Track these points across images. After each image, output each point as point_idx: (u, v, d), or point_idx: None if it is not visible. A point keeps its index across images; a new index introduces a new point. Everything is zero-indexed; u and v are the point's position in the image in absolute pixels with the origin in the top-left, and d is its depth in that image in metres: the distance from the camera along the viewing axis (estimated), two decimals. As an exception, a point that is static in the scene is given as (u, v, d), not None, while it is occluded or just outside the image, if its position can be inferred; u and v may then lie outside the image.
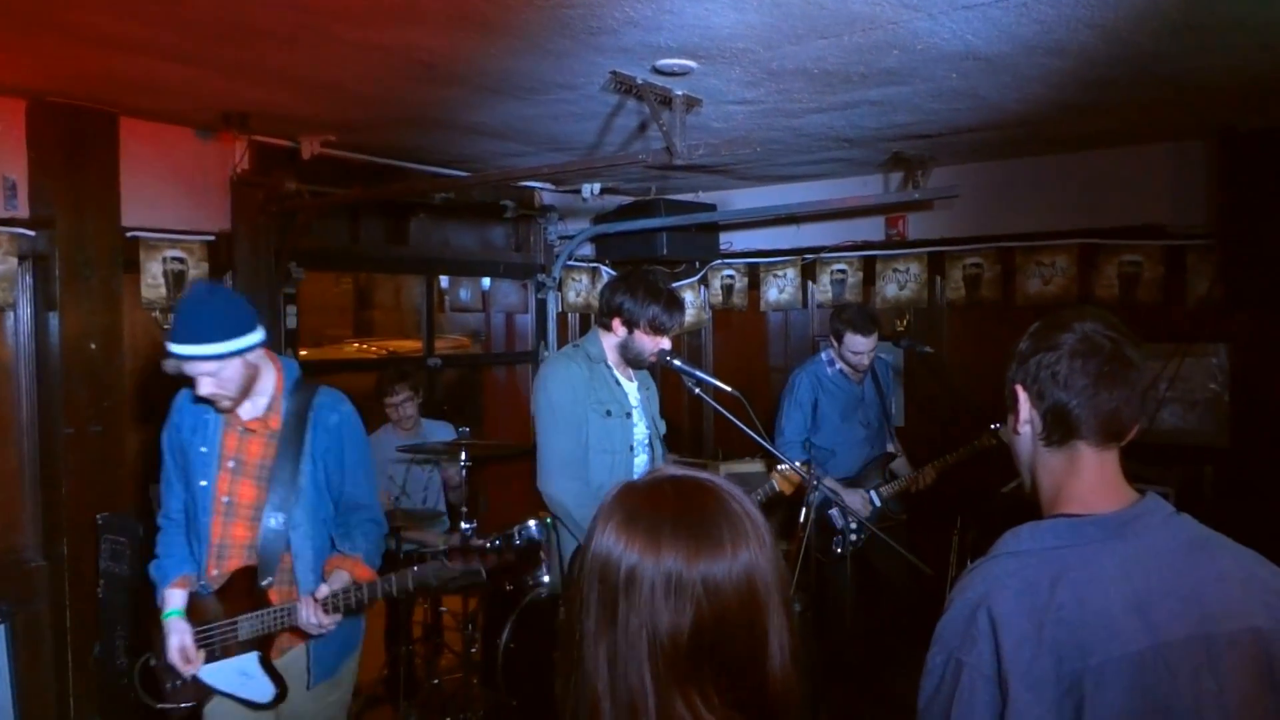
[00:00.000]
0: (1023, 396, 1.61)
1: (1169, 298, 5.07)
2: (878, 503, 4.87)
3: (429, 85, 3.65)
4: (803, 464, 3.63)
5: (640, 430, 3.70)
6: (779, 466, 3.73)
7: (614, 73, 3.47)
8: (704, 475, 1.26)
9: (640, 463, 3.72)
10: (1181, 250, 5.00)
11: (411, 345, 6.72)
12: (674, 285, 6.64)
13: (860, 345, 4.71)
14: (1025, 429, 1.62)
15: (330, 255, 5.43)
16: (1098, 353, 1.54)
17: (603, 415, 3.59)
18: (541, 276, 6.42)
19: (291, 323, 4.95)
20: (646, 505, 1.19)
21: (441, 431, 5.33)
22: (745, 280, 6.62)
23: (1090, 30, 3.04)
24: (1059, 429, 1.56)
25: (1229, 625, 1.44)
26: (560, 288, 6.53)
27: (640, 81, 3.53)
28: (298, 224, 4.83)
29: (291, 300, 4.98)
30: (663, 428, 3.93)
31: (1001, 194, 5.51)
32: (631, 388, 3.71)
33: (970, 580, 1.50)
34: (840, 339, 4.77)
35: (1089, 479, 1.55)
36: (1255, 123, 4.35)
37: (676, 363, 3.47)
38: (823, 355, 4.99)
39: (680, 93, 3.67)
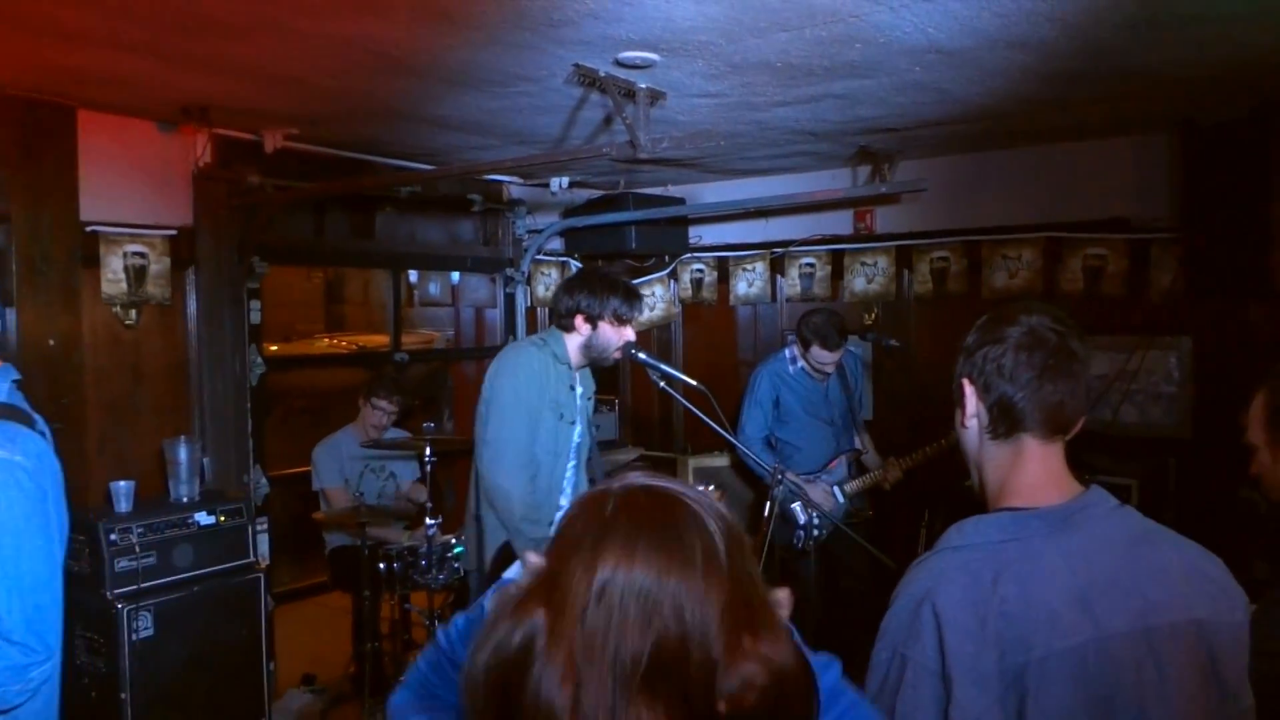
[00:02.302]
0: (969, 390, 1.61)
1: (1133, 291, 5.10)
2: (842, 499, 4.88)
3: (391, 78, 3.62)
4: (760, 461, 3.63)
5: (576, 435, 3.70)
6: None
7: (576, 65, 3.45)
8: (676, 488, 1.18)
9: (570, 467, 3.73)
10: (1145, 243, 5.03)
11: (382, 340, 6.68)
12: (643, 279, 6.64)
13: (825, 358, 4.74)
14: (972, 423, 1.63)
15: (295, 249, 5.38)
16: (1043, 346, 1.54)
17: (556, 417, 3.58)
18: (510, 271, 6.39)
19: (255, 318, 4.90)
20: (622, 515, 1.13)
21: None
22: (714, 274, 6.62)
23: (1051, 24, 3.05)
24: (1005, 422, 1.57)
25: (1170, 617, 1.45)
26: (529, 282, 6.51)
27: (603, 74, 3.51)
28: (261, 218, 4.78)
29: (255, 295, 4.93)
30: (594, 434, 3.93)
31: (968, 188, 5.53)
32: (579, 393, 3.71)
33: (915, 575, 1.50)
34: (806, 347, 4.77)
35: (1034, 472, 1.56)
36: (1216, 116, 4.37)
37: (642, 356, 3.47)
38: (785, 353, 5.00)
39: (643, 86, 3.65)
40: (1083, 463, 4.81)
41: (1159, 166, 4.92)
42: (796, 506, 4.65)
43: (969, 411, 1.62)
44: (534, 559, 1.13)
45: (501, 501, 3.48)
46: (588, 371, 3.81)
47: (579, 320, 3.55)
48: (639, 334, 6.49)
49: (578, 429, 3.72)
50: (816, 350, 4.72)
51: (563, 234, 6.53)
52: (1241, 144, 4.27)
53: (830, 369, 4.78)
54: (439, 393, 6.86)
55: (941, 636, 1.39)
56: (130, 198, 4.41)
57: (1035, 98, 4.02)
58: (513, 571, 3.53)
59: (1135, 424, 5.08)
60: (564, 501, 3.74)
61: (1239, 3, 2.90)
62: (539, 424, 3.54)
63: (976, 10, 2.91)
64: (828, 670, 1.25)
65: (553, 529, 1.19)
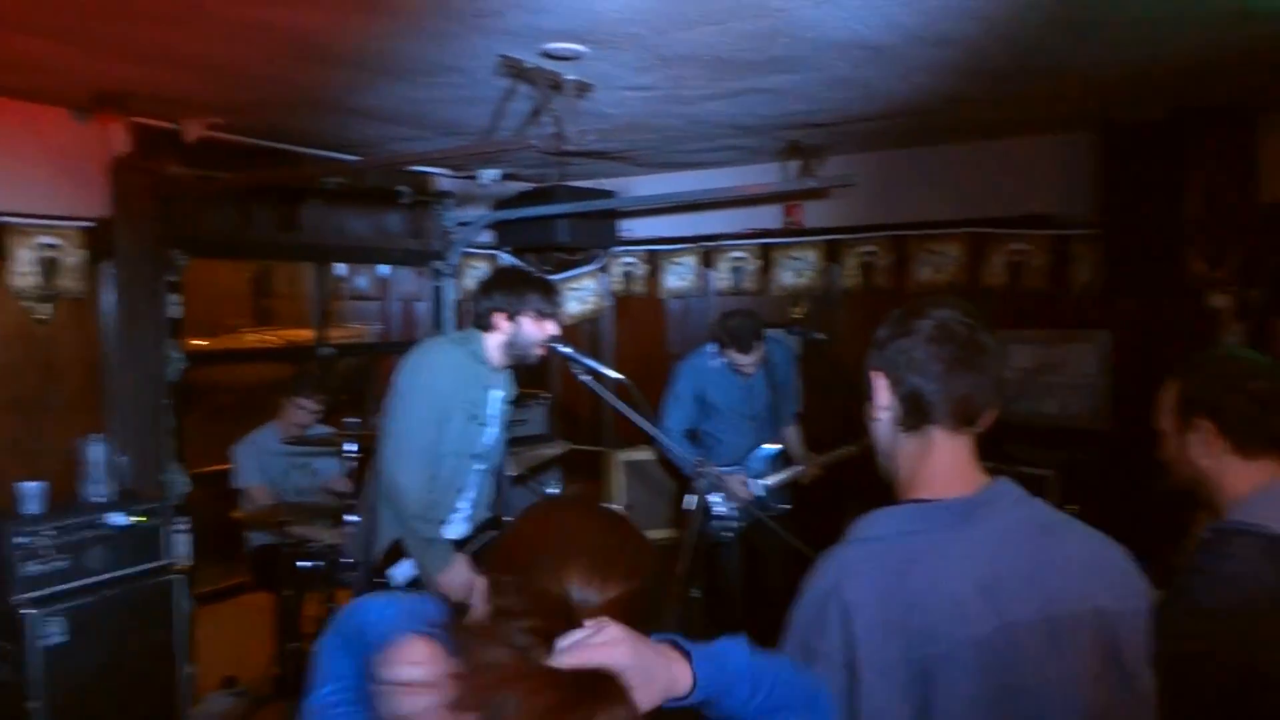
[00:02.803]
0: (881, 382, 1.63)
1: (1054, 286, 5.20)
2: (761, 492, 4.91)
3: (314, 66, 3.55)
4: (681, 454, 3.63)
5: (487, 437, 3.67)
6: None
7: (503, 56, 3.42)
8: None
9: (479, 469, 3.69)
10: (1066, 240, 5.13)
11: (310, 335, 6.57)
12: (574, 272, 6.62)
13: (741, 360, 4.74)
14: (883, 415, 1.64)
15: (217, 242, 5.26)
16: (952, 339, 1.56)
17: (467, 418, 3.54)
18: (438, 264, 6.32)
19: (175, 311, 4.78)
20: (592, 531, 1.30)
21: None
22: (645, 267, 6.62)
23: (974, 21, 3.09)
24: (914, 414, 1.59)
25: (1074, 606, 1.48)
26: (458, 275, 6.45)
27: (530, 65, 3.48)
28: (182, 210, 4.67)
29: (176, 288, 4.82)
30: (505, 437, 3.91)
31: (895, 183, 5.59)
32: (497, 396, 3.68)
33: (823, 568, 1.51)
34: (724, 347, 4.77)
35: (942, 464, 1.57)
36: (1135, 117, 4.47)
37: (566, 350, 3.45)
38: (707, 348, 4.99)
39: (571, 78, 3.63)
40: (1004, 454, 4.91)
41: (1080, 165, 5.01)
42: (716, 498, 4.68)
43: (880, 404, 1.64)
44: None
45: (398, 496, 3.42)
46: (510, 375, 3.77)
47: (499, 318, 3.51)
48: (569, 329, 6.53)
49: (490, 431, 3.68)
50: (732, 352, 4.74)
51: (493, 227, 6.48)
52: (1158, 145, 4.39)
53: (750, 369, 4.79)
54: (366, 387, 6.77)
55: (849, 628, 1.40)
56: (42, 188, 4.28)
57: (960, 94, 4.07)
58: (399, 570, 3.49)
59: (1055, 415, 5.18)
60: (463, 505, 3.69)
61: (1153, 7, 2.96)
62: (447, 423, 3.48)
63: (901, 6, 2.93)
64: (736, 649, 1.28)
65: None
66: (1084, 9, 2.96)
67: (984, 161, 5.33)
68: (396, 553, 3.48)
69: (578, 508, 1.46)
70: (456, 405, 3.48)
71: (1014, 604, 1.44)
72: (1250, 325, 4.74)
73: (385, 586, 3.47)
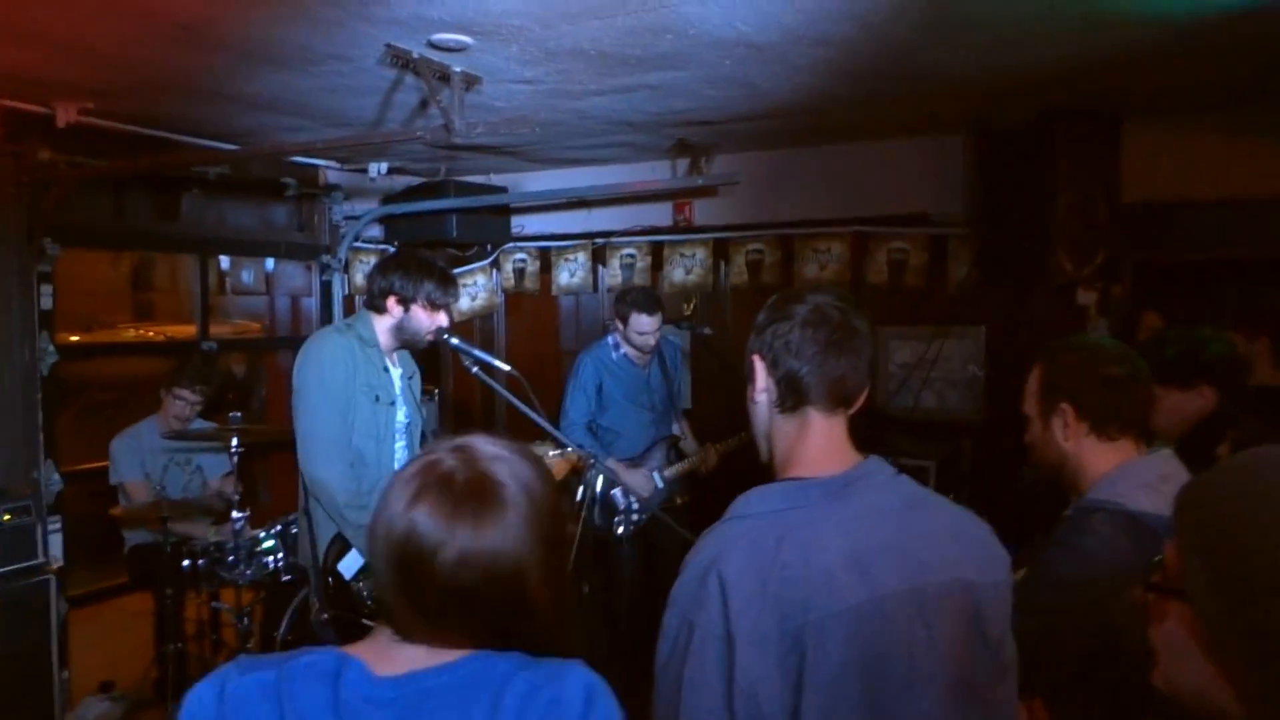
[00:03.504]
0: (759, 366, 1.68)
1: (932, 283, 5.39)
2: (660, 484, 4.97)
3: (189, 50, 3.46)
4: (577, 446, 3.66)
5: (401, 416, 3.65)
6: (550, 453, 3.75)
7: (389, 46, 3.39)
8: (489, 465, 1.34)
9: (400, 448, 3.66)
10: (943, 238, 5.32)
11: (191, 330, 6.38)
12: (465, 269, 6.58)
13: (645, 325, 4.78)
14: (762, 397, 1.69)
15: (92, 231, 5.08)
16: (827, 323, 1.62)
17: (371, 400, 3.51)
18: (326, 258, 6.22)
19: (47, 303, 4.61)
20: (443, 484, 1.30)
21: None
22: (537, 264, 6.62)
23: (850, 23, 3.18)
24: (791, 396, 1.64)
25: (940, 577, 1.54)
26: (347, 270, 6.35)
27: (416, 56, 3.46)
28: (54, 197, 4.50)
29: (47, 279, 4.64)
30: (424, 414, 3.87)
31: (781, 182, 5.71)
32: (396, 374, 3.65)
33: (703, 544, 1.55)
34: (625, 320, 4.83)
35: (817, 443, 1.63)
36: (1007, 119, 4.65)
37: (454, 341, 3.44)
38: (609, 339, 5.05)
39: (458, 69, 3.62)
40: (886, 446, 5.05)
41: (955, 165, 5.19)
42: (616, 493, 4.71)
43: (759, 386, 1.69)
44: None
45: (321, 492, 3.40)
46: (406, 353, 3.75)
47: (391, 302, 3.48)
48: (461, 325, 6.50)
49: (401, 410, 3.66)
50: (636, 317, 4.77)
51: (382, 221, 6.40)
52: (1027, 147, 4.56)
53: (652, 341, 4.83)
54: (252, 383, 6.62)
55: (726, 602, 1.44)
56: (-101, 173, 4.09)
57: (840, 95, 4.18)
58: (347, 562, 3.45)
59: (934, 409, 5.37)
60: None
61: (1020, 12, 3.10)
62: (354, 410, 3.46)
63: (781, 5, 3.01)
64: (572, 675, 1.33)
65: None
66: (955, 12, 3.08)
67: (866, 161, 5.48)
68: (343, 548, 3.44)
69: None
70: (356, 391, 3.44)
71: (883, 575, 1.50)
72: (1114, 320, 4.99)
73: (341, 583, 3.42)
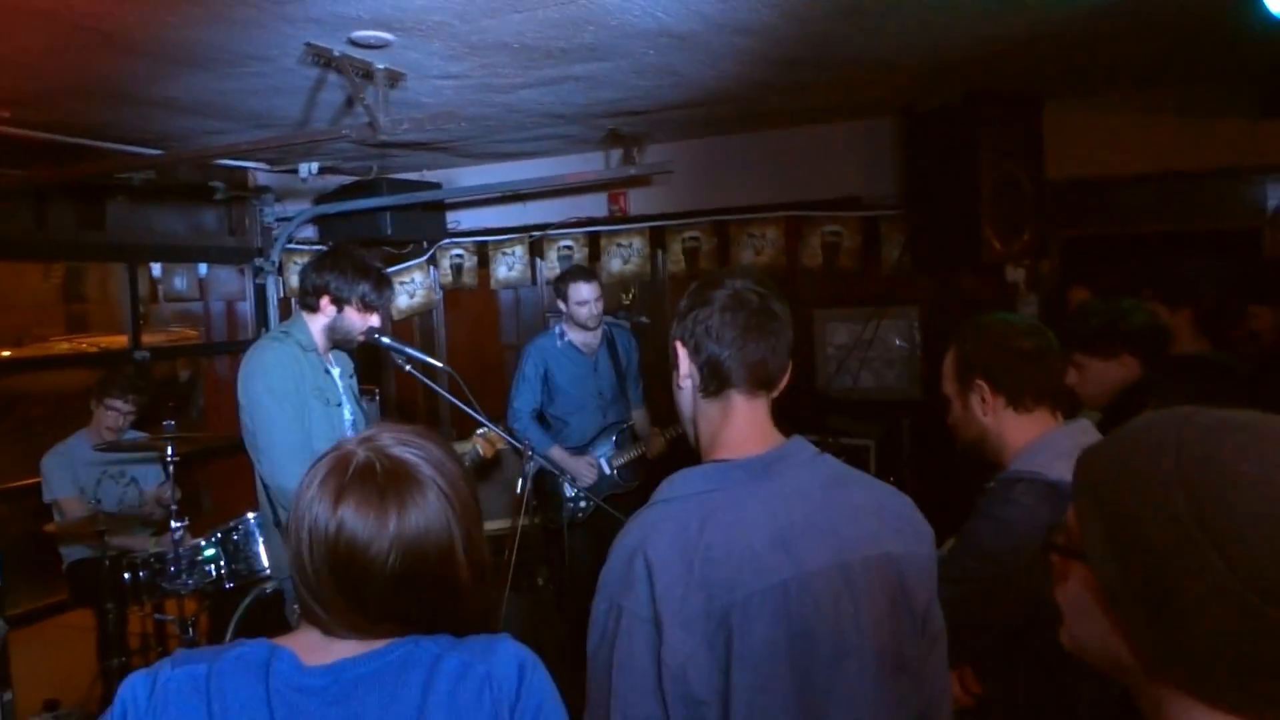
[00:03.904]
0: (682, 352, 1.70)
1: (866, 265, 5.45)
2: (609, 471, 5.00)
3: (106, 55, 3.39)
4: (505, 428, 3.66)
5: (347, 414, 3.63)
6: (479, 431, 3.75)
7: (309, 45, 3.35)
8: (399, 450, 1.37)
9: None
10: (875, 221, 5.38)
11: (124, 340, 6.28)
12: (402, 266, 6.53)
13: (585, 292, 4.81)
14: (686, 383, 1.71)
15: (12, 243, 4.97)
16: (745, 307, 1.64)
17: (322, 403, 3.49)
18: (260, 261, 6.14)
19: (-31, 318, 4.53)
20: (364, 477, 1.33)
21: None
22: (475, 259, 6.60)
23: (770, 9, 3.20)
24: (714, 380, 1.66)
25: (864, 552, 1.57)
26: (281, 272, 6.28)
27: (337, 54, 3.42)
28: (-29, 209, 4.41)
29: (-33, 294, 4.55)
30: (365, 411, 3.86)
31: (715, 170, 5.74)
32: (336, 373, 3.63)
33: (629, 529, 1.57)
34: (566, 296, 4.85)
35: (739, 426, 1.66)
36: (931, 102, 4.71)
37: (385, 340, 3.44)
38: (555, 329, 5.07)
39: (381, 66, 3.59)
40: (825, 427, 5.09)
41: (885, 148, 5.26)
42: (565, 482, 4.73)
43: (683, 372, 1.71)
44: None
45: (288, 501, 3.38)
46: (343, 352, 3.73)
47: (324, 301, 3.46)
48: (400, 323, 6.46)
49: (345, 409, 3.64)
50: (574, 287, 4.81)
51: (316, 221, 6.33)
52: (953, 128, 4.62)
53: (594, 308, 4.84)
54: (188, 391, 6.53)
55: (653, 584, 1.46)
56: None
57: (766, 82, 4.21)
58: None
59: (872, 388, 5.44)
60: None
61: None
62: (308, 415, 3.43)
63: (699, -7, 3.03)
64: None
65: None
66: (870, -2, 3.12)
67: (798, 146, 5.52)
68: None
69: None
70: (307, 395, 3.42)
71: (808, 552, 1.52)
72: (1044, 295, 5.08)
73: None
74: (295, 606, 3.44)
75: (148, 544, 4.61)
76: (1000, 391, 2.17)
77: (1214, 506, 0.85)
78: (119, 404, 4.87)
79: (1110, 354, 3.11)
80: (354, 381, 3.78)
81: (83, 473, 4.86)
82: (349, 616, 1.32)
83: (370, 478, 1.31)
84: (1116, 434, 1.01)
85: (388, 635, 1.32)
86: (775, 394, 1.71)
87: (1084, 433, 2.16)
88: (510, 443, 3.65)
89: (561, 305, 4.94)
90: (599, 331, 5.03)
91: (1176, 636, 0.88)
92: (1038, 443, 2.14)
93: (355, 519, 1.29)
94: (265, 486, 3.52)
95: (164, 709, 1.26)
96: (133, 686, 1.29)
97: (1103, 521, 0.95)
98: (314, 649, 1.32)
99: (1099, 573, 0.95)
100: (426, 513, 1.31)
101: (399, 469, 1.33)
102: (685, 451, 1.72)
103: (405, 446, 1.36)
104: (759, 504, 1.54)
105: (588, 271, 4.98)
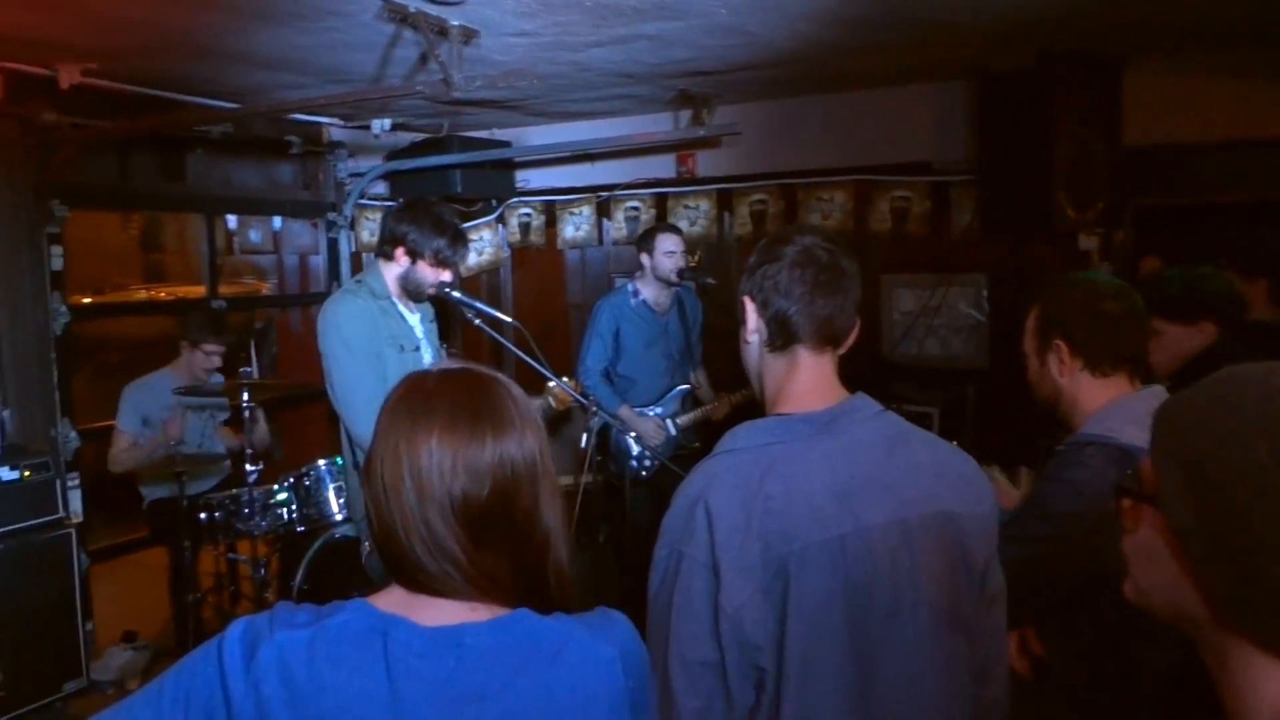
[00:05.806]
0: (750, 307, 1.72)
1: (935, 231, 5.39)
2: (674, 431, 5.04)
3: (190, 9, 3.48)
4: (570, 382, 3.70)
5: (427, 358, 3.69)
6: (550, 384, 3.79)
7: (385, 1, 3.40)
8: (480, 369, 1.36)
9: None
10: (945, 186, 5.31)
11: (200, 291, 6.44)
12: (471, 224, 6.60)
13: (672, 243, 4.88)
14: (753, 337, 1.73)
15: (98, 192, 5.12)
16: (814, 263, 1.65)
17: (398, 350, 3.55)
18: (333, 215, 6.26)
19: (57, 264, 4.67)
20: (438, 394, 1.31)
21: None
22: (542, 218, 6.64)
23: (846, -31, 3.18)
24: (781, 335, 1.68)
25: (923, 509, 1.59)
26: (353, 226, 6.39)
27: (413, 10, 3.46)
28: (60, 159, 4.55)
29: (57, 240, 4.69)
30: (444, 358, 3.92)
31: (783, 132, 5.70)
32: (415, 319, 3.68)
33: (692, 478, 1.60)
34: (652, 249, 4.90)
35: (805, 381, 1.67)
36: (1005, 65, 4.63)
37: (455, 294, 3.48)
38: (628, 286, 5.11)
39: (456, 23, 3.63)
40: (891, 394, 5.07)
41: (957, 112, 5.18)
42: (630, 439, 4.78)
43: (750, 327, 1.73)
44: None
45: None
46: (428, 304, 3.79)
47: (400, 252, 3.51)
48: (468, 280, 6.53)
49: (426, 355, 3.70)
50: (662, 238, 4.89)
51: (386, 178, 6.42)
52: (1028, 92, 4.52)
53: (680, 260, 4.89)
54: (262, 342, 6.68)
55: (712, 532, 1.49)
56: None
57: (838, 43, 4.17)
58: None
59: (938, 356, 5.40)
60: None
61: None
62: (383, 363, 3.49)
63: (776, -48, 3.01)
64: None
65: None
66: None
67: (867, 110, 5.46)
68: None
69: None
70: (382, 344, 3.48)
71: (867, 508, 1.54)
72: (1116, 265, 4.99)
73: None
74: (366, 544, 3.53)
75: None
76: (1079, 354, 2.14)
77: None
78: (214, 348, 4.97)
79: (1190, 319, 3.08)
80: (434, 326, 3.82)
81: (155, 409, 4.96)
82: (446, 570, 1.24)
83: (460, 405, 1.28)
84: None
85: (487, 596, 1.26)
86: (842, 351, 1.73)
87: (1157, 398, 2.13)
88: (576, 399, 3.70)
89: (645, 259, 4.96)
90: (672, 291, 5.06)
91: (1249, 582, 0.89)
92: (1111, 407, 2.12)
93: (445, 452, 1.25)
94: (348, 435, 3.60)
95: (264, 679, 1.18)
96: (231, 649, 1.21)
97: (1181, 467, 0.96)
98: (422, 611, 1.26)
99: (1173, 516, 0.96)
100: (518, 441, 1.27)
101: (482, 391, 1.31)
102: (751, 416, 1.73)
103: (472, 373, 1.34)
104: (820, 458, 1.56)
105: (674, 226, 5.08)
